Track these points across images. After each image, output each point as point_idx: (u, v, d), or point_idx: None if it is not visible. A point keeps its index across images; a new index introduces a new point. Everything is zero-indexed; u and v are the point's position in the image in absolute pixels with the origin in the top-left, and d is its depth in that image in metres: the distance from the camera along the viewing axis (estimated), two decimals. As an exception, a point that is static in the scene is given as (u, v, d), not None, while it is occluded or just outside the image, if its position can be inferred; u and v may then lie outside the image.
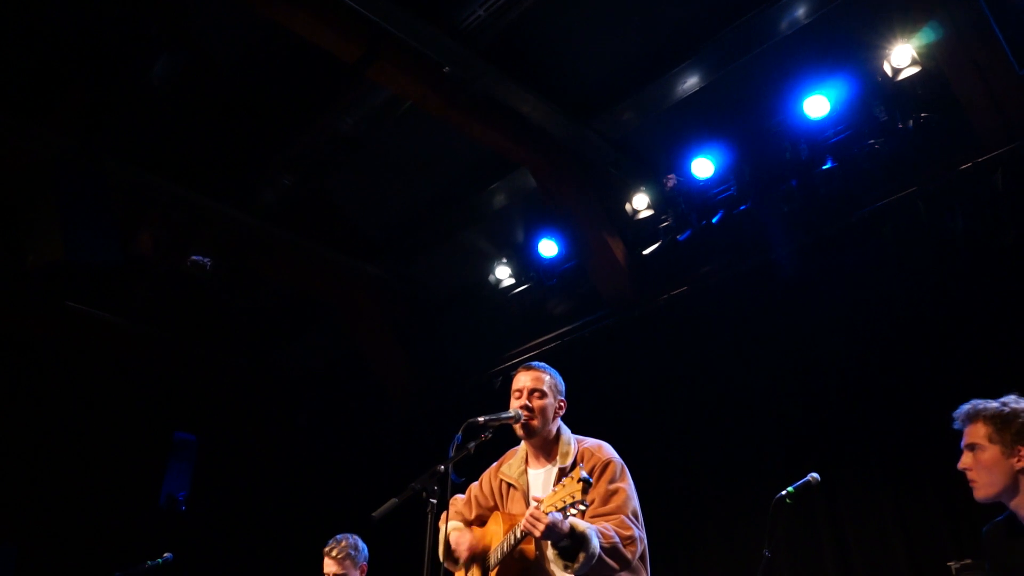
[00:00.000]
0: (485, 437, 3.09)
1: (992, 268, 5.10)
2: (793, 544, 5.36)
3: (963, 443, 2.81)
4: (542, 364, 3.47)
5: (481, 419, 3.12)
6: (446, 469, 2.83)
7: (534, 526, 2.81)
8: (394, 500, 2.84)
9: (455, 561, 3.36)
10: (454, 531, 3.39)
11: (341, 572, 4.50)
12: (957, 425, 2.85)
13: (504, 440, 3.32)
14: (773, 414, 5.82)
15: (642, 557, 3.14)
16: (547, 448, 3.36)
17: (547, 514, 2.78)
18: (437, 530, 2.75)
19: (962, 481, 4.83)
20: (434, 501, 2.75)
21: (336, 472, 8.91)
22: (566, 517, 2.81)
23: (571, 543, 2.85)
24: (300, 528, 8.50)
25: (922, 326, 5.30)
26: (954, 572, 4.32)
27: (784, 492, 4.01)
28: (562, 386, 3.46)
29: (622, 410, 6.43)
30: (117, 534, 8.28)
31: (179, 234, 7.22)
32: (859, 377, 5.52)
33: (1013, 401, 2.76)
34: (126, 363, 8.85)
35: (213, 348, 9.10)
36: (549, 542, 2.90)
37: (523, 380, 3.38)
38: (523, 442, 3.44)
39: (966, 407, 2.82)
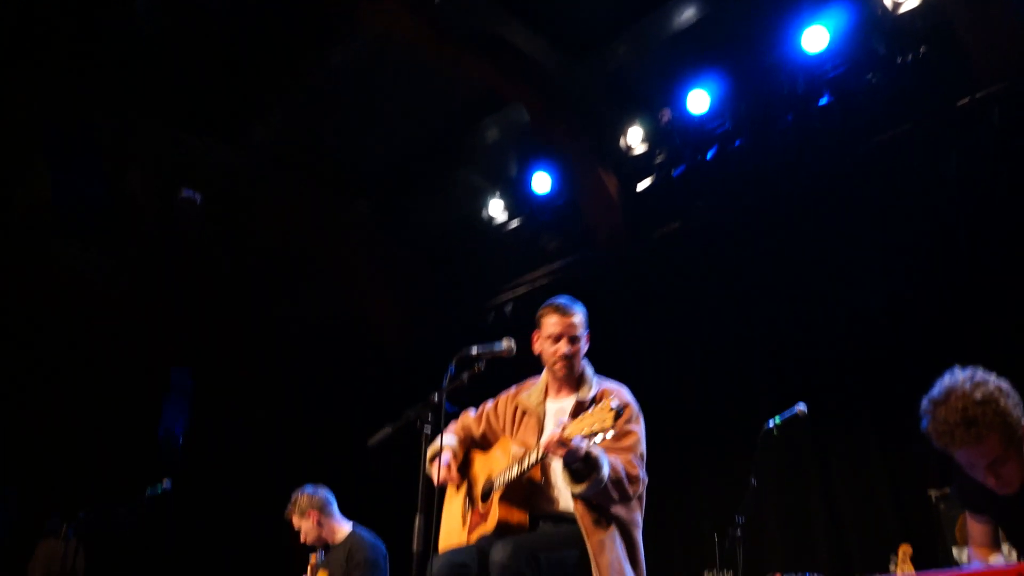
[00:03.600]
0: (478, 368, 3.13)
1: (986, 206, 5.10)
2: (779, 473, 5.49)
3: (976, 464, 2.43)
4: (572, 303, 3.44)
5: (474, 350, 3.15)
6: (440, 398, 2.87)
7: (556, 449, 2.89)
8: (388, 428, 2.90)
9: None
10: (447, 448, 3.45)
11: (297, 528, 4.74)
12: (938, 443, 2.43)
13: (497, 371, 3.36)
14: (763, 349, 5.91)
15: (640, 496, 3.25)
16: (571, 383, 3.43)
17: (571, 439, 2.85)
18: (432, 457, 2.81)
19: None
20: (428, 430, 2.80)
21: (330, 406, 9.02)
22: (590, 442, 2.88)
23: (583, 467, 2.95)
24: (294, 459, 8.64)
25: (914, 264, 5.34)
26: (934, 500, 4.43)
27: (771, 423, 4.10)
28: (587, 319, 3.48)
29: (612, 345, 6.49)
30: (116, 467, 8.41)
31: (168, 174, 7.16)
32: (848, 313, 5.58)
33: (980, 386, 2.39)
34: (119, 300, 8.85)
35: (207, 285, 9.10)
36: (563, 462, 2.99)
37: (559, 324, 3.37)
38: (546, 373, 3.49)
39: (955, 429, 2.36)
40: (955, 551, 4.23)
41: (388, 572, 4.62)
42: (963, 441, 2.37)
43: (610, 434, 2.79)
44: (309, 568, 4.45)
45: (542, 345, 3.41)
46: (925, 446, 4.81)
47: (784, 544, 5.43)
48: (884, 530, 4.96)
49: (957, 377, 2.45)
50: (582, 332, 3.39)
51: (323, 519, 4.71)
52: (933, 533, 4.46)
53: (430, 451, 3.38)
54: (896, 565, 4.37)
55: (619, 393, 3.34)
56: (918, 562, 4.29)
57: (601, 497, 3.03)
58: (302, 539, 4.72)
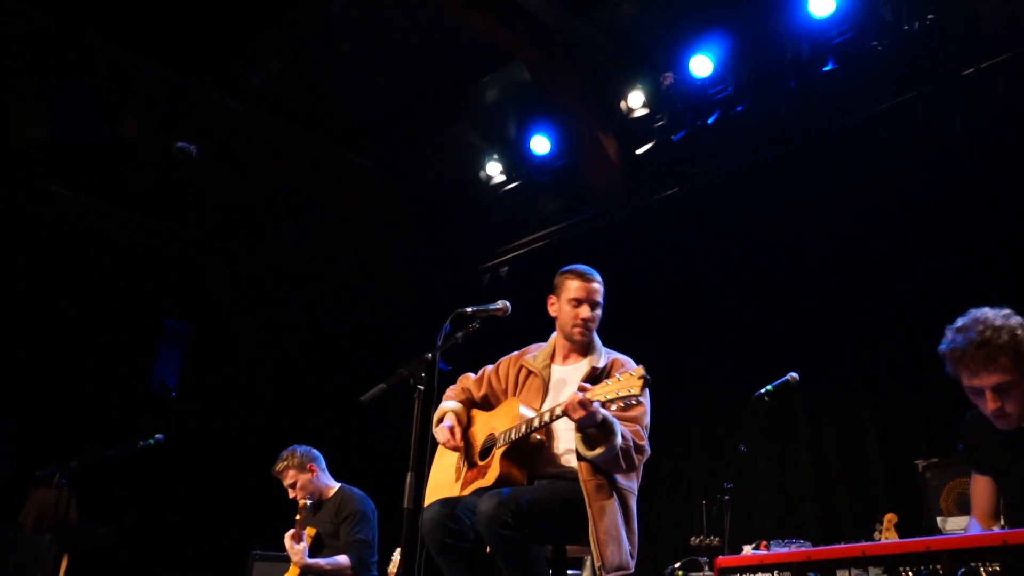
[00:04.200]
0: (473, 327, 3.13)
1: (988, 175, 5.08)
2: (772, 441, 5.53)
3: (982, 384, 2.47)
4: (594, 271, 3.47)
5: (469, 309, 3.17)
6: (434, 357, 2.87)
7: (575, 409, 2.89)
8: (382, 385, 2.89)
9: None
10: (451, 413, 3.48)
11: (294, 481, 4.73)
12: (949, 362, 2.51)
13: (490, 330, 3.36)
14: (758, 315, 5.91)
15: (639, 468, 3.28)
16: (581, 349, 3.45)
17: (592, 402, 2.86)
18: (425, 414, 2.81)
19: (938, 386, 4.98)
20: (421, 387, 2.80)
21: (323, 361, 9.04)
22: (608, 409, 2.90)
23: (597, 432, 2.97)
24: (288, 413, 8.69)
25: (911, 233, 5.33)
26: (920, 470, 4.48)
27: (763, 390, 4.11)
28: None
29: (609, 308, 6.47)
30: (110, 416, 8.44)
31: (165, 118, 7.07)
32: (845, 281, 5.58)
33: (1003, 317, 2.47)
34: (114, 248, 8.82)
35: (202, 236, 9.06)
36: (577, 425, 3.00)
37: (582, 289, 3.39)
38: (555, 338, 3.52)
39: (968, 347, 2.43)
40: (939, 520, 4.28)
41: (377, 527, 4.67)
42: (973, 360, 2.43)
43: (635, 401, 2.80)
44: (298, 518, 4.47)
45: (560, 308, 3.43)
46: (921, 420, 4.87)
47: (771, 511, 5.48)
48: (871, 499, 5.01)
49: (985, 309, 2.52)
50: (601, 300, 3.41)
51: (320, 474, 4.77)
52: (919, 502, 4.50)
53: (436, 415, 3.42)
54: (880, 533, 4.42)
55: (629, 363, 3.36)
56: (903, 531, 4.35)
57: (610, 464, 3.05)
58: (293, 494, 4.74)
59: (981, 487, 2.77)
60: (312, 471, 4.73)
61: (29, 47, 5.90)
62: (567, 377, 3.39)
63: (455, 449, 3.41)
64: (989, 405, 2.49)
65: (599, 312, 3.41)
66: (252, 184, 8.28)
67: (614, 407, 2.88)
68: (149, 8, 6.24)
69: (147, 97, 6.89)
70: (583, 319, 3.36)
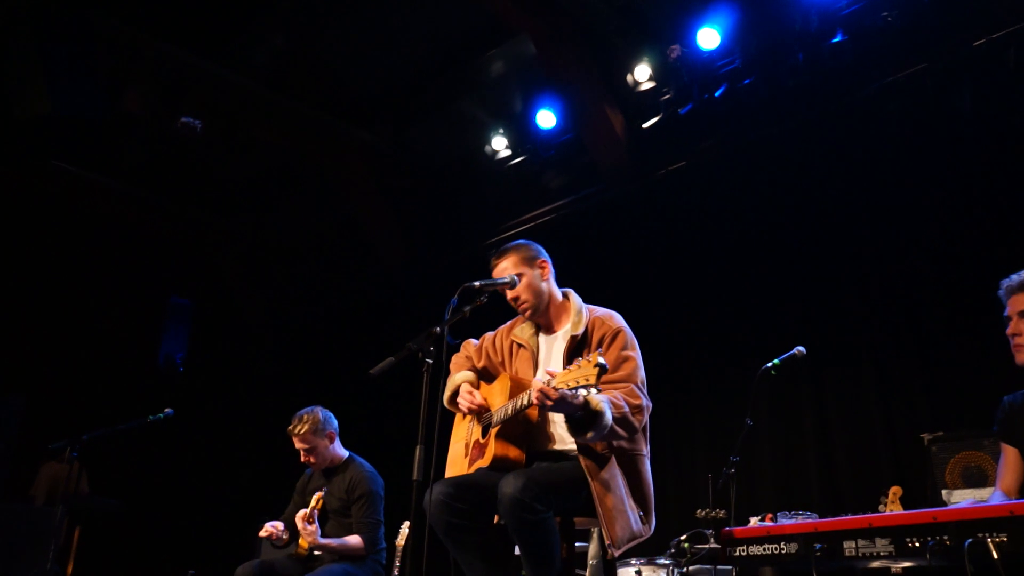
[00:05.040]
0: (480, 301, 3.12)
1: (998, 148, 5.04)
2: (777, 414, 5.54)
3: (1014, 309, 2.85)
4: (504, 247, 3.46)
5: (477, 283, 3.16)
6: (442, 331, 2.87)
7: (544, 401, 2.85)
8: (391, 359, 2.89)
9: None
10: (466, 383, 3.48)
11: (310, 447, 4.57)
12: (1003, 293, 2.91)
13: (497, 304, 3.36)
14: (764, 289, 5.91)
15: (643, 426, 3.23)
16: (556, 314, 3.43)
17: (557, 390, 2.81)
18: (433, 387, 2.81)
19: (943, 361, 4.98)
20: (430, 361, 2.80)
21: (328, 336, 9.07)
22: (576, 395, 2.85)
23: (584, 415, 2.91)
24: (294, 387, 8.73)
25: (919, 207, 5.30)
26: (927, 443, 4.48)
27: (769, 364, 4.11)
28: (534, 250, 3.47)
29: (615, 283, 6.49)
30: (117, 391, 8.51)
31: (168, 93, 7.04)
32: (852, 254, 5.57)
33: None
34: (120, 224, 8.83)
35: (206, 212, 9.07)
36: (562, 414, 2.98)
37: (496, 272, 3.42)
38: None
39: (1019, 280, 2.87)
40: (944, 493, 4.29)
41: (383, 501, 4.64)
42: (1016, 288, 2.84)
43: (595, 389, 2.74)
44: (313, 504, 4.38)
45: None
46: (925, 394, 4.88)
47: (777, 484, 5.51)
48: (876, 472, 5.03)
49: None
50: (522, 266, 3.38)
51: (337, 441, 4.66)
52: (924, 476, 4.52)
53: (449, 387, 3.41)
54: (886, 506, 4.44)
55: (611, 319, 3.33)
56: (908, 504, 4.36)
57: (609, 438, 3.01)
58: (305, 458, 4.61)
59: (1011, 461, 2.83)
60: (331, 438, 4.60)
61: (32, 22, 5.85)
62: (552, 347, 3.38)
63: (479, 409, 3.38)
64: (1010, 330, 2.81)
65: (528, 278, 3.36)
66: (255, 159, 8.26)
67: (584, 392, 2.79)
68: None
69: (150, 72, 6.86)
70: (511, 300, 3.38)
